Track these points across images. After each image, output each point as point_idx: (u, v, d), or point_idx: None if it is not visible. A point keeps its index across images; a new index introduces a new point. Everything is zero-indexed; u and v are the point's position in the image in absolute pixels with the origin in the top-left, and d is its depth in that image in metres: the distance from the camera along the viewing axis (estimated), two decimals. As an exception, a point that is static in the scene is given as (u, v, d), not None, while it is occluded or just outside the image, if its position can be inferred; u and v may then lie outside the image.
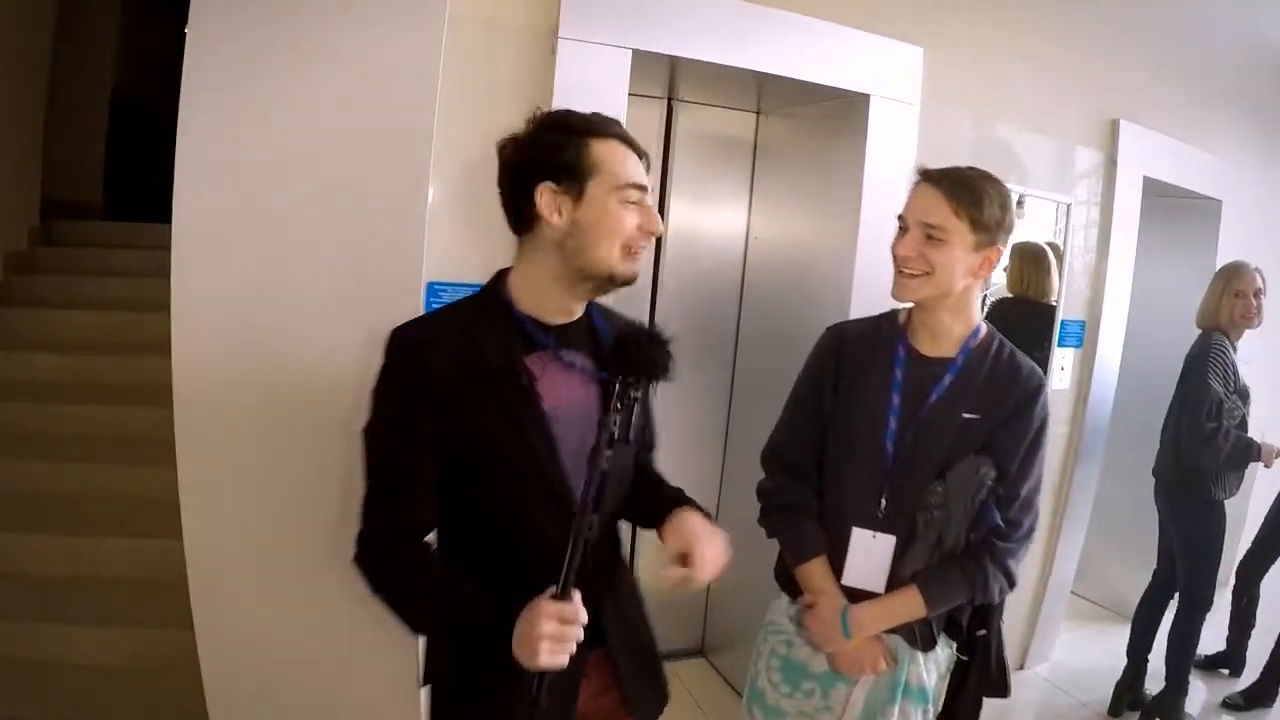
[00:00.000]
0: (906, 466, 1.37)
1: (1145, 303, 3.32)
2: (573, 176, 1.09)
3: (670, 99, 2.58)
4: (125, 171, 5.06)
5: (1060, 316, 2.80)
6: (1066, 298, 2.82)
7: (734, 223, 2.78)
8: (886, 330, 1.46)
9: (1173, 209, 3.40)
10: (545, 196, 1.08)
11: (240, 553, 1.61)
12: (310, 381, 1.59)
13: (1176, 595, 2.75)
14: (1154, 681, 2.82)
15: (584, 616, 0.98)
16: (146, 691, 2.22)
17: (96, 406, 3.11)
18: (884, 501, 1.38)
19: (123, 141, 5.10)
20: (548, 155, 1.09)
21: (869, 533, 1.39)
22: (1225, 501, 2.63)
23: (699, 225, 2.74)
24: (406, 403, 1.08)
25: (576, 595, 0.98)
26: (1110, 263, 2.88)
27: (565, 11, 1.81)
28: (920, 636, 1.40)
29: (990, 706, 1.51)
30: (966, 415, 1.35)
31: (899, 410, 1.38)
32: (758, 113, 2.69)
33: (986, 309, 2.79)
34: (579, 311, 1.18)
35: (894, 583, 1.38)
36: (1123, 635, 2.93)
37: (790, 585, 1.49)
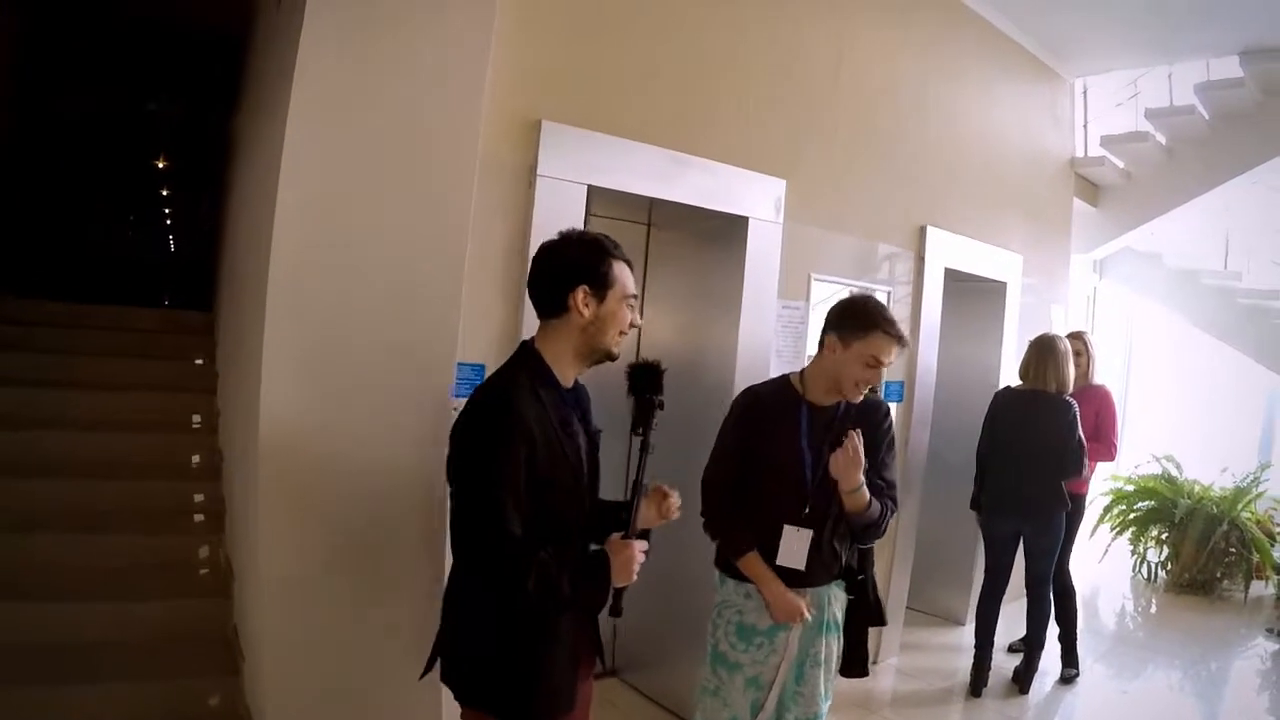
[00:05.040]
0: (820, 482, 2.30)
1: (951, 365, 4.76)
2: (601, 285, 1.84)
3: (584, 214, 3.58)
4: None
5: (884, 379, 4.07)
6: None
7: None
8: (789, 392, 2.41)
9: (971, 290, 4.93)
10: (580, 295, 1.82)
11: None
12: (370, 451, 2.41)
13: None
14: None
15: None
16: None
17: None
18: (808, 508, 2.32)
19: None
20: (586, 266, 1.83)
21: (795, 529, 2.31)
22: None
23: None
24: (517, 447, 1.71)
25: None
26: (921, 335, 4.25)
27: (542, 156, 2.79)
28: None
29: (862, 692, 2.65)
30: None
31: (809, 447, 2.33)
32: (649, 225, 3.84)
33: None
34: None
35: (811, 562, 2.29)
36: (951, 634, 4.16)
37: (732, 571, 2.39)
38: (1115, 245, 6.66)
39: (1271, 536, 6.25)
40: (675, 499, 1.99)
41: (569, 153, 2.85)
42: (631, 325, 1.92)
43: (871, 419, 2.38)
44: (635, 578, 1.81)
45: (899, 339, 2.28)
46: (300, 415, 2.33)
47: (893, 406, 4.12)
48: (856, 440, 2.22)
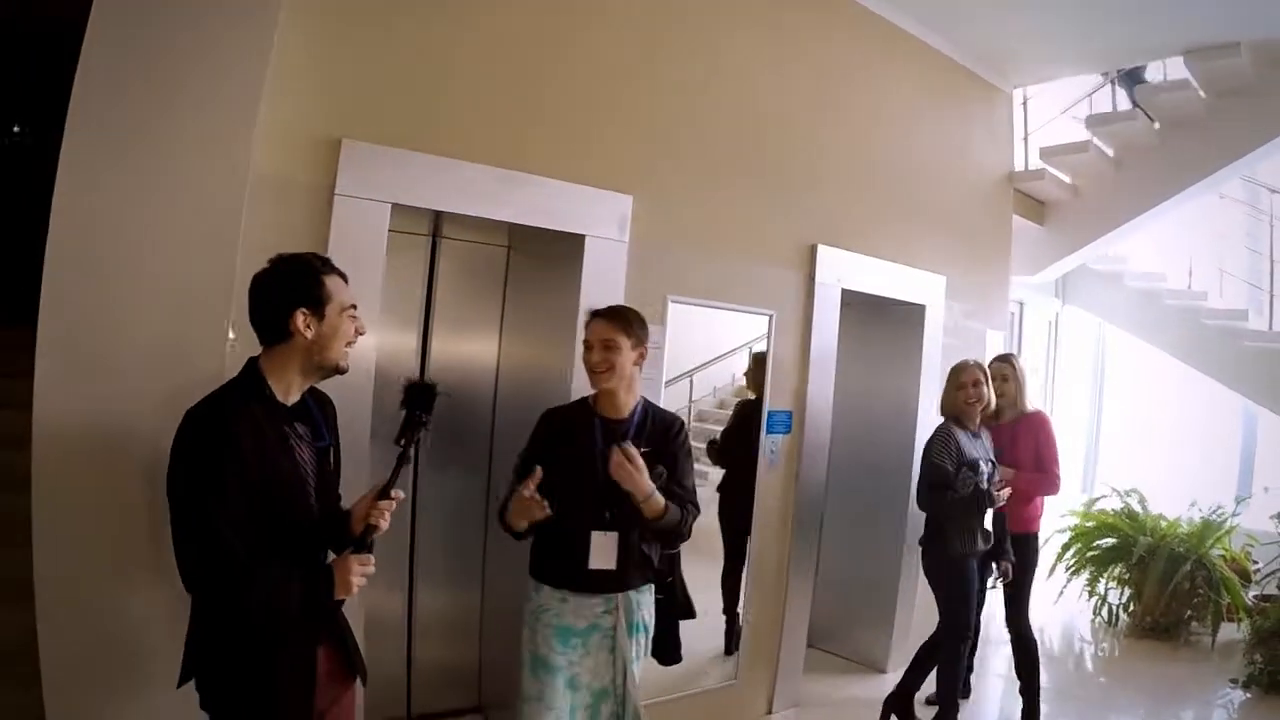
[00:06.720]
0: (619, 488, 2.43)
1: (864, 392, 4.60)
2: (319, 303, 1.94)
3: (434, 236, 3.54)
4: None
5: (766, 409, 3.94)
6: (773, 392, 3.97)
7: (489, 333, 3.75)
8: (583, 409, 2.62)
9: (885, 314, 4.79)
10: (300, 318, 1.91)
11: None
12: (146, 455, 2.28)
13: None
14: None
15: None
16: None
17: None
18: (609, 513, 2.49)
19: None
20: (300, 288, 1.93)
21: (601, 533, 2.49)
22: (969, 557, 3.73)
23: (459, 334, 3.69)
24: (227, 461, 1.76)
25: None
26: (812, 360, 4.10)
27: (341, 176, 2.73)
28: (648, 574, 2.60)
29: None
30: (644, 450, 2.47)
31: (601, 455, 2.48)
32: (509, 248, 3.75)
33: (734, 408, 4.07)
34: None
35: (622, 562, 2.50)
36: (868, 684, 4.08)
37: (547, 578, 2.54)
38: (1065, 265, 6.43)
39: (1245, 575, 5.98)
40: (385, 505, 2.06)
41: (372, 172, 2.79)
42: (358, 333, 2.06)
43: (667, 433, 2.63)
44: (355, 591, 1.93)
45: (590, 313, 2.62)
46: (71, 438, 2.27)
47: (779, 437, 3.99)
48: (629, 450, 2.41)
